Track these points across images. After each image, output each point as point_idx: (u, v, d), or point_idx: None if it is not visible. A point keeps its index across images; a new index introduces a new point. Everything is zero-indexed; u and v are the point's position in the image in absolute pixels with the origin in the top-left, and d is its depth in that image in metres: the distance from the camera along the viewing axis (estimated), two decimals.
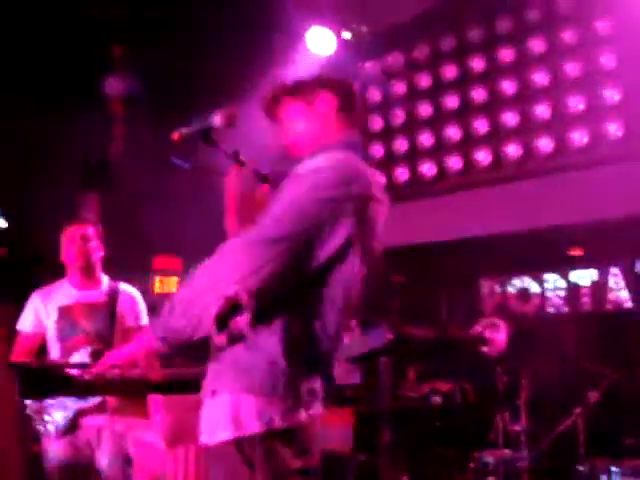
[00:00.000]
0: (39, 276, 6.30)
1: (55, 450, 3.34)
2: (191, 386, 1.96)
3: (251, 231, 1.80)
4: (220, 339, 1.77)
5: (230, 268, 1.75)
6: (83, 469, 3.35)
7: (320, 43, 5.81)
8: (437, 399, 4.64)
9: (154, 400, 3.02)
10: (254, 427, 1.76)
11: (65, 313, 3.50)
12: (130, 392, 2.10)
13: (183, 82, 6.20)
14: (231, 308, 1.73)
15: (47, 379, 1.86)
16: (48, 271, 6.31)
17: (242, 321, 1.75)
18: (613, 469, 3.69)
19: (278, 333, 1.80)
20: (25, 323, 3.60)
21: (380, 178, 2.06)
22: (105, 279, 3.68)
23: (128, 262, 3.80)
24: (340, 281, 1.87)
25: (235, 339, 1.78)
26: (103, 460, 3.34)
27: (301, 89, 2.14)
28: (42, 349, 3.58)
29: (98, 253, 3.64)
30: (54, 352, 3.50)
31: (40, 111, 6.53)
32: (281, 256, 1.76)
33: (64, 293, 3.60)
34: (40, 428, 3.32)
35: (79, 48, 5.88)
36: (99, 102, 6.38)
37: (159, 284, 6.66)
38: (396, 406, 4.19)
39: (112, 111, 6.37)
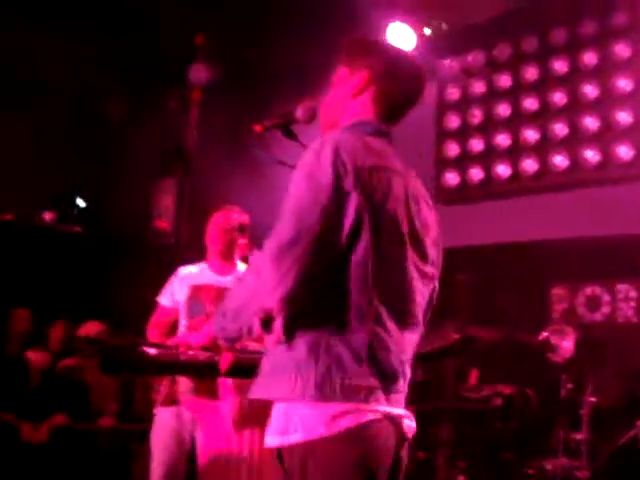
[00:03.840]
0: (112, 255, 6.52)
1: (162, 416, 3.57)
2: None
3: (270, 240, 1.79)
4: (270, 340, 1.81)
5: (262, 281, 1.76)
6: (185, 440, 3.54)
7: (400, 39, 5.80)
8: (498, 402, 4.61)
9: (224, 383, 3.10)
10: (295, 437, 1.75)
11: (195, 292, 3.68)
12: (201, 374, 2.17)
13: (262, 73, 6.29)
14: (270, 317, 1.77)
15: (125, 356, 1.94)
16: (121, 251, 6.52)
17: (277, 327, 1.77)
18: None
19: (309, 334, 1.78)
20: (163, 296, 3.82)
21: (393, 155, 1.95)
22: (242, 266, 3.79)
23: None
24: (362, 260, 1.78)
25: (280, 342, 1.80)
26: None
27: (350, 55, 2.07)
28: (176, 323, 3.80)
29: (239, 241, 3.77)
30: (181, 328, 3.71)
31: (122, 96, 6.73)
32: (302, 257, 1.73)
33: (201, 273, 3.78)
34: (154, 396, 3.54)
35: (163, 36, 6.03)
36: (180, 90, 6.53)
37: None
38: (456, 406, 4.18)
39: (191, 99, 6.51)
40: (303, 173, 1.81)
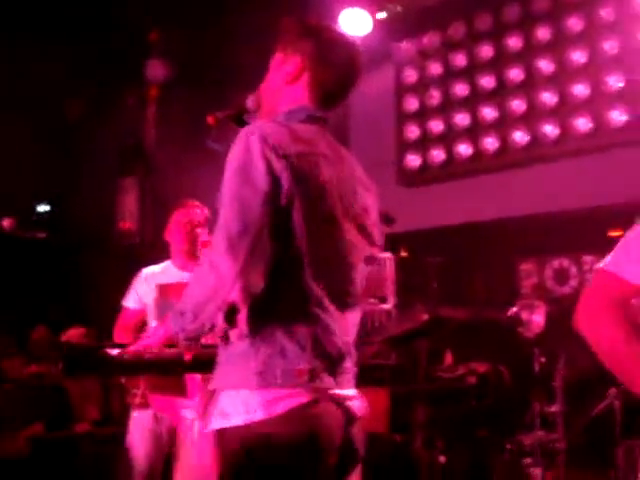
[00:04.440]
0: (78, 257, 6.45)
1: (140, 419, 3.55)
2: None
3: (219, 235, 1.78)
4: (234, 334, 1.81)
5: (221, 276, 1.74)
6: (163, 441, 3.50)
7: (355, 24, 5.78)
8: (472, 380, 4.63)
9: (192, 379, 3.09)
10: (235, 420, 1.77)
11: (163, 292, 3.62)
12: (167, 371, 2.15)
13: (219, 66, 6.23)
14: (234, 310, 1.76)
15: (87, 359, 1.92)
16: (87, 254, 6.45)
17: (242, 319, 1.77)
18: None
19: (255, 322, 1.79)
20: (128, 299, 3.78)
21: (323, 142, 1.95)
22: None
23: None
24: (298, 245, 1.80)
25: (242, 335, 1.80)
26: None
27: (284, 39, 2.05)
28: (144, 326, 3.76)
29: (203, 237, 3.74)
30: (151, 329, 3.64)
31: (79, 96, 6.63)
32: (254, 246, 1.74)
33: (166, 272, 3.75)
34: (129, 399, 3.53)
35: (118, 33, 5.95)
36: (137, 87, 6.46)
37: None
38: (431, 387, 4.20)
39: (147, 95, 6.45)
40: (236, 166, 1.81)
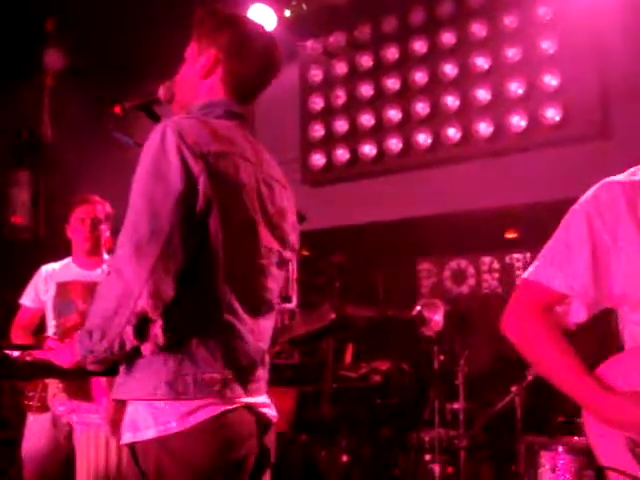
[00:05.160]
0: None
1: (36, 423, 3.42)
2: None
3: (126, 237, 1.66)
4: (146, 348, 1.70)
5: (127, 283, 1.62)
6: (61, 446, 3.36)
7: (261, 21, 5.72)
8: (376, 378, 4.67)
9: (98, 382, 2.97)
10: (147, 433, 1.70)
11: (62, 290, 3.51)
12: (72, 375, 2.04)
13: (122, 56, 6.05)
14: (145, 320, 1.65)
15: None
16: None
17: (156, 329, 1.67)
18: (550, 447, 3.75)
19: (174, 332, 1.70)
20: (26, 297, 3.64)
21: (243, 140, 1.88)
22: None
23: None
24: (213, 249, 1.72)
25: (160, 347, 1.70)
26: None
27: (199, 31, 1.99)
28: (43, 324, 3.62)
29: (105, 234, 3.62)
30: (50, 328, 3.52)
31: None
32: (164, 249, 1.64)
33: (66, 270, 3.61)
34: (26, 402, 3.38)
35: (11, 20, 5.69)
36: (33, 77, 6.21)
37: None
38: (336, 386, 4.21)
39: (44, 85, 6.20)
40: (149, 163, 1.71)
